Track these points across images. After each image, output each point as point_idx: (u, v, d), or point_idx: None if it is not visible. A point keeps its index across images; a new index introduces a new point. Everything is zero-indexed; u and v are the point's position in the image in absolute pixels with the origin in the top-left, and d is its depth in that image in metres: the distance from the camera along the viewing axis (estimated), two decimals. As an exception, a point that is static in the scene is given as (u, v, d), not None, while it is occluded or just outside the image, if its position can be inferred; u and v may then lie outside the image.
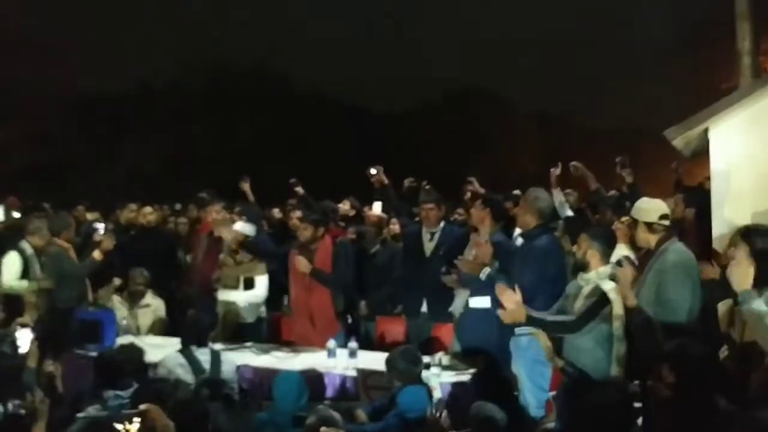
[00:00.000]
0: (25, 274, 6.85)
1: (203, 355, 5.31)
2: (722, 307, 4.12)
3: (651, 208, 4.84)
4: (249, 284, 6.65)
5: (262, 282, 6.71)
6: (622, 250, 5.51)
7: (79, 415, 4.11)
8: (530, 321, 4.60)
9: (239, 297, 6.66)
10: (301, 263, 6.35)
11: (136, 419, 2.66)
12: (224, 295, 6.69)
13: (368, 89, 28.96)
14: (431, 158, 23.13)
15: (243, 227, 6.72)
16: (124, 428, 2.68)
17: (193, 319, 5.76)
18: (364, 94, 29.17)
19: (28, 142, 20.14)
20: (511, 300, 4.58)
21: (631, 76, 28.36)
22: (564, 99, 29.96)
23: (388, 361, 4.97)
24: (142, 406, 2.79)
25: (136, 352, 5.16)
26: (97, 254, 6.81)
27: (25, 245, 6.84)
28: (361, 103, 29.24)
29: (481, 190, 7.63)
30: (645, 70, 27.38)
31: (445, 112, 29.29)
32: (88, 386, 5.22)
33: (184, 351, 5.33)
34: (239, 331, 6.60)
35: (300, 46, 30.97)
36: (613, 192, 7.50)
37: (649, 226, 4.74)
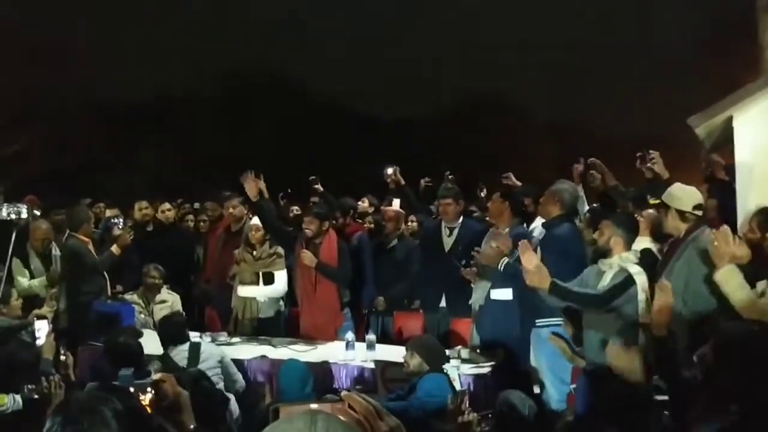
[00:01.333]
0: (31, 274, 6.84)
1: (183, 352, 5.33)
2: (761, 286, 4.03)
3: (686, 196, 4.79)
4: (268, 279, 6.62)
5: (281, 277, 6.68)
6: (644, 243, 5.44)
7: (90, 384, 4.11)
8: (555, 290, 4.54)
9: (259, 292, 6.62)
10: (306, 257, 6.33)
11: (149, 389, 2.62)
12: (244, 291, 6.65)
13: (383, 98, 29.06)
14: (445, 165, 23.08)
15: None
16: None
17: (165, 321, 5.78)
18: (379, 103, 29.28)
19: (50, 147, 20.30)
20: (532, 261, 4.53)
21: (647, 85, 28.25)
22: (579, 107, 29.88)
23: (423, 346, 4.92)
24: (155, 376, 2.75)
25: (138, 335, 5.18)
26: (115, 249, 6.83)
27: (28, 246, 6.80)
28: (377, 111, 29.34)
29: (518, 183, 7.57)
30: (661, 80, 27.27)
31: (459, 120, 29.32)
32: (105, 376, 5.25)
33: (162, 356, 5.33)
34: (258, 326, 6.58)
35: (315, 56, 31.14)
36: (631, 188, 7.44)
37: (682, 214, 4.68)
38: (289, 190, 8.58)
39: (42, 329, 4.78)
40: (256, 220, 6.71)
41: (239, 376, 5.54)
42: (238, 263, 6.72)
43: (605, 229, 4.72)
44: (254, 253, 6.65)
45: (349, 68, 30.19)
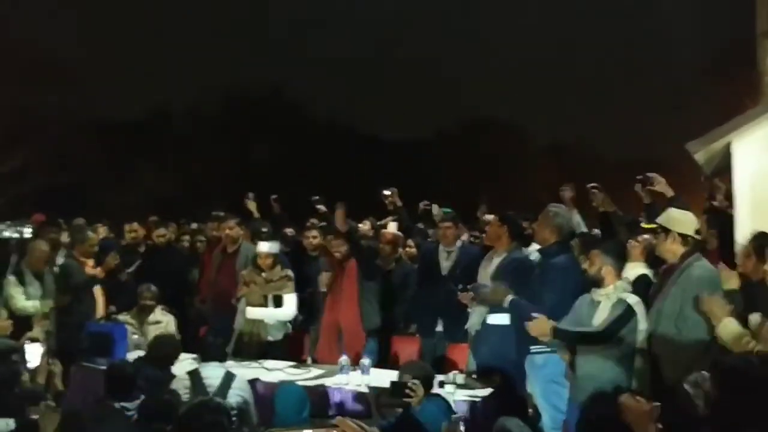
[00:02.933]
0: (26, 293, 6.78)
1: (215, 379, 5.19)
2: (753, 319, 4.02)
3: (688, 220, 4.78)
4: (277, 302, 6.55)
5: (291, 300, 6.61)
6: (639, 268, 5.40)
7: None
8: (557, 333, 4.51)
9: (270, 314, 6.54)
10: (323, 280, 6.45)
11: None
12: (254, 313, 6.55)
13: (384, 117, 29.25)
14: (445, 185, 23.14)
15: (271, 246, 6.65)
16: None
17: (212, 339, 5.73)
18: (379, 122, 29.53)
19: (49, 163, 20.35)
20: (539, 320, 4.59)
21: (649, 108, 28.40)
22: (579, 130, 30.03)
23: (409, 369, 4.86)
24: None
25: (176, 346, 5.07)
26: (98, 272, 6.75)
27: (23, 266, 6.72)
28: (377, 130, 29.51)
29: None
30: (664, 104, 27.42)
31: (459, 140, 29.42)
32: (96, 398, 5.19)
33: (192, 372, 5.25)
34: (265, 349, 6.49)
35: (316, 74, 31.35)
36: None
37: (684, 238, 4.65)
38: (275, 196, 8.53)
39: (34, 353, 4.74)
40: (263, 247, 6.63)
41: (254, 420, 5.36)
42: (247, 285, 6.65)
43: (595, 258, 4.70)
44: (264, 275, 6.59)
45: (350, 88, 30.39)
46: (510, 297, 5.34)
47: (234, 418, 4.97)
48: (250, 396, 5.31)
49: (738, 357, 3.32)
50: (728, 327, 4.11)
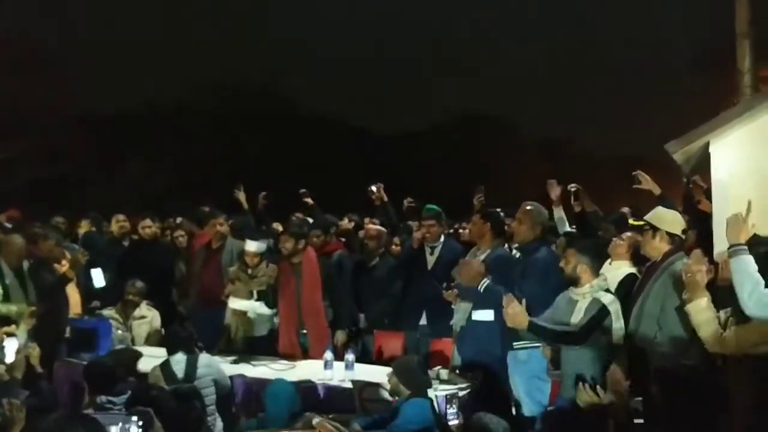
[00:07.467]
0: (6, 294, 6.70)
1: (182, 364, 5.35)
2: (723, 315, 4.07)
3: (677, 219, 4.85)
4: (261, 297, 6.61)
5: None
6: (624, 267, 5.43)
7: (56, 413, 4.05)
8: (532, 328, 4.55)
9: (248, 306, 6.58)
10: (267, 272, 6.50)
11: None
12: (234, 303, 6.62)
13: (375, 111, 29.19)
14: (435, 180, 23.19)
15: (259, 246, 6.68)
16: None
17: (173, 330, 5.90)
18: (370, 117, 29.42)
19: (37, 157, 20.21)
20: (513, 306, 4.57)
21: (634, 104, 28.53)
22: (568, 126, 30.13)
23: (401, 369, 4.82)
24: None
25: (131, 355, 5.14)
26: (67, 269, 6.70)
27: (2, 265, 6.62)
28: (368, 125, 29.44)
29: None
30: (651, 100, 27.54)
31: (449, 135, 29.44)
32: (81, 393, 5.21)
33: (162, 364, 5.37)
34: (251, 345, 6.55)
35: (307, 68, 31.25)
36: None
37: (672, 236, 4.70)
38: (264, 193, 8.57)
39: (10, 348, 4.72)
40: (251, 246, 6.66)
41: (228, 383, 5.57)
42: (233, 282, 6.69)
43: (570, 257, 4.72)
44: (249, 271, 6.64)
45: (341, 84, 30.33)
46: (486, 282, 5.39)
47: (211, 396, 5.26)
48: (217, 370, 5.50)
49: (680, 364, 3.38)
50: (703, 313, 4.07)
